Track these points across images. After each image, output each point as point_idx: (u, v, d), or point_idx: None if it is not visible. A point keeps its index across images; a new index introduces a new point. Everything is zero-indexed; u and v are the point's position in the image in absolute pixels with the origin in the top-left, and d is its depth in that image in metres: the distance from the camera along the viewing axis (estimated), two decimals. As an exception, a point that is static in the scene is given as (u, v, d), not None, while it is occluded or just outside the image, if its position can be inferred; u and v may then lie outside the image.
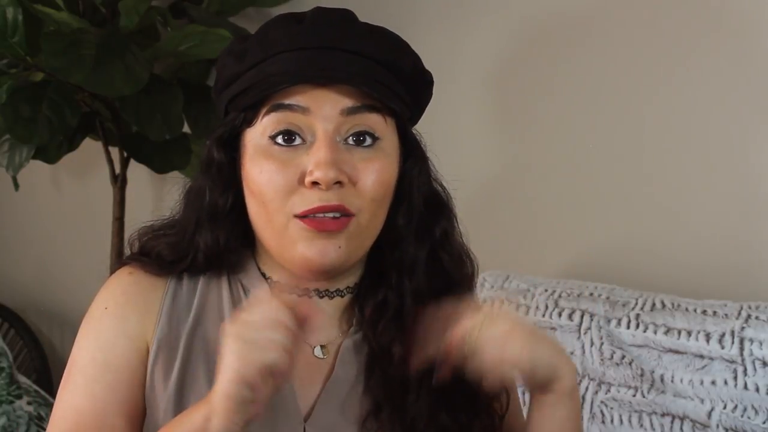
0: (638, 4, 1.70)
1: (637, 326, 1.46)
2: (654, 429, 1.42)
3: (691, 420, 1.39)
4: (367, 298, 0.97)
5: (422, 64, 0.96)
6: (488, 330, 0.85)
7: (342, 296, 0.97)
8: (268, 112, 0.90)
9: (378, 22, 0.96)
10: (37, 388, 2.22)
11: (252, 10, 2.15)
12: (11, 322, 2.70)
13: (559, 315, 1.53)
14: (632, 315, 1.48)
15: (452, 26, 1.90)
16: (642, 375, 1.44)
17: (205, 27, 1.85)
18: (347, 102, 0.89)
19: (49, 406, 2.12)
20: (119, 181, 2.11)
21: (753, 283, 1.56)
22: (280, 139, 0.89)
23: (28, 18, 1.77)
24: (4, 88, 1.79)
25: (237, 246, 0.96)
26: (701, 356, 1.39)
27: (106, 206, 2.17)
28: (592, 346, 1.50)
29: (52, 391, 2.39)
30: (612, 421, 1.46)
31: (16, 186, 2.09)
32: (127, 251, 1.00)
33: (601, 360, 1.49)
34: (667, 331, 1.43)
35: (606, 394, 1.48)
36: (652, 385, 1.44)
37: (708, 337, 1.39)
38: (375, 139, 0.91)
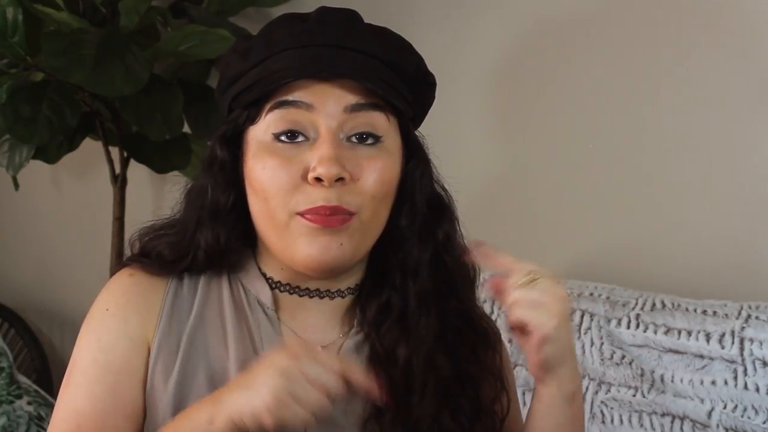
0: (638, 4, 1.70)
1: (637, 326, 1.46)
2: (654, 429, 1.42)
3: (691, 420, 1.39)
4: (370, 300, 0.97)
5: (426, 65, 0.97)
6: (528, 290, 0.87)
7: (342, 297, 0.97)
8: (271, 109, 0.90)
9: (378, 22, 0.96)
10: (37, 388, 2.22)
11: (252, 10, 2.15)
12: (11, 322, 2.70)
13: (559, 315, 1.53)
14: (632, 315, 1.48)
15: (452, 27, 1.90)
16: (642, 375, 1.45)
17: (205, 27, 1.85)
18: (351, 99, 0.89)
19: (49, 406, 2.12)
20: (119, 181, 2.11)
21: (753, 283, 1.56)
22: (283, 137, 0.90)
23: (28, 18, 1.77)
24: (4, 88, 1.79)
25: (238, 245, 0.96)
26: (701, 356, 1.40)
27: (106, 206, 2.17)
28: (592, 346, 1.50)
29: (52, 391, 2.39)
30: (612, 421, 1.46)
31: (16, 186, 2.09)
32: (127, 252, 1.00)
33: (601, 360, 1.49)
34: (667, 331, 1.43)
35: (606, 394, 1.48)
36: (652, 385, 1.44)
37: (708, 337, 1.39)
38: (378, 137, 0.91)
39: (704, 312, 1.43)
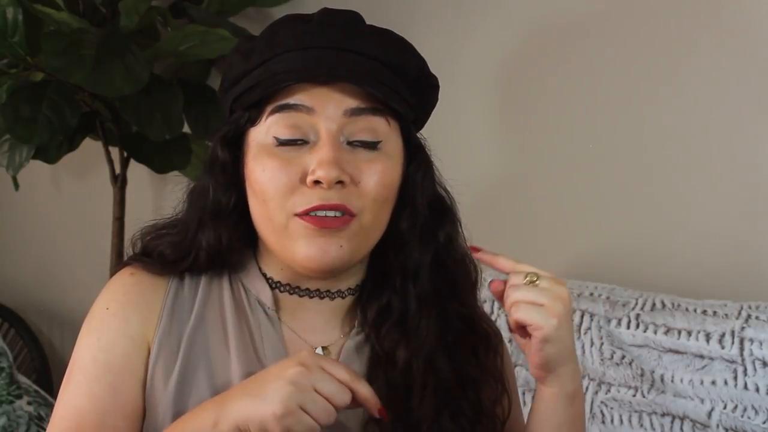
0: (638, 4, 1.70)
1: (637, 326, 1.46)
2: (654, 429, 1.42)
3: (691, 420, 1.39)
4: (370, 301, 0.97)
5: (428, 68, 0.97)
6: (528, 291, 0.87)
7: (343, 297, 0.97)
8: (272, 112, 0.90)
9: (378, 23, 0.96)
10: (37, 388, 2.22)
11: (252, 10, 2.15)
12: (11, 322, 2.70)
13: (559, 315, 1.53)
14: (632, 315, 1.48)
15: (452, 28, 1.90)
16: (642, 375, 1.45)
17: (205, 27, 1.85)
18: (351, 102, 0.90)
19: (49, 406, 2.12)
20: (119, 181, 2.11)
21: (753, 283, 1.56)
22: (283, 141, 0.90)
23: (28, 18, 1.77)
24: (4, 88, 1.80)
25: (239, 246, 0.96)
26: (701, 356, 1.40)
27: (106, 206, 2.17)
28: (592, 346, 1.50)
29: (52, 391, 2.39)
30: (612, 421, 1.46)
31: (16, 186, 2.09)
32: (129, 251, 1.00)
33: (601, 360, 1.49)
34: (667, 331, 1.43)
35: (606, 394, 1.48)
36: (652, 385, 1.44)
37: (708, 337, 1.39)
38: (378, 141, 0.91)
39: (704, 312, 1.43)
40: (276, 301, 0.96)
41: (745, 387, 1.35)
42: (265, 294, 0.96)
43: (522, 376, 1.52)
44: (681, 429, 1.40)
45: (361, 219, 0.90)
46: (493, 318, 1.51)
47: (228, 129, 0.95)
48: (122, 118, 1.92)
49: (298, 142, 0.90)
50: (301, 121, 0.89)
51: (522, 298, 0.87)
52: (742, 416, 1.34)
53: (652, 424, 1.42)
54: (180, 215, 0.99)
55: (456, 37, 1.89)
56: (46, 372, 2.60)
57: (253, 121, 0.92)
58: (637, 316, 1.47)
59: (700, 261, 1.63)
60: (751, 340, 1.36)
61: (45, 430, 0.90)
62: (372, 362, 0.95)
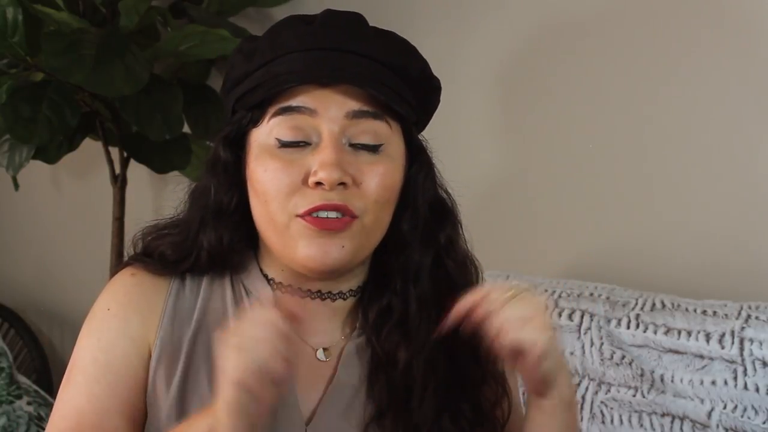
0: (638, 4, 1.70)
1: (637, 326, 1.46)
2: (654, 429, 1.42)
3: (691, 420, 1.39)
4: (371, 303, 0.97)
5: (430, 69, 0.97)
6: (512, 309, 0.83)
7: (344, 299, 0.97)
8: (275, 114, 0.90)
9: (378, 23, 0.96)
10: (37, 388, 2.23)
11: (252, 10, 2.15)
12: (11, 322, 2.70)
13: (559, 315, 1.53)
14: (632, 315, 1.48)
15: (453, 28, 1.90)
16: (642, 375, 1.45)
17: (205, 27, 1.85)
18: (353, 105, 0.90)
19: (49, 406, 2.12)
20: (119, 181, 2.11)
21: (753, 283, 1.56)
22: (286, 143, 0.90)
23: (28, 18, 1.77)
24: (4, 88, 1.80)
25: (240, 246, 0.96)
26: (701, 356, 1.40)
27: (106, 206, 2.17)
28: (592, 346, 1.50)
29: (52, 391, 2.39)
30: (612, 421, 1.46)
31: (16, 186, 2.09)
32: (130, 251, 1.00)
33: (601, 360, 1.49)
34: (667, 331, 1.43)
35: (606, 394, 1.48)
36: (652, 385, 1.44)
37: (708, 337, 1.39)
38: (380, 144, 0.91)
39: (704, 312, 1.43)
40: (277, 302, 0.96)
41: (745, 387, 1.35)
42: (265, 295, 0.96)
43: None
44: (681, 429, 1.40)
45: (362, 220, 0.90)
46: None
47: (230, 129, 0.95)
48: (122, 118, 1.92)
49: (301, 144, 0.90)
50: (304, 123, 0.90)
51: (510, 315, 0.83)
52: (742, 416, 1.34)
53: (652, 425, 1.42)
54: (181, 215, 0.98)
55: (456, 37, 1.89)
56: (46, 372, 2.60)
57: (256, 122, 0.92)
58: (637, 316, 1.47)
59: (700, 261, 1.63)
60: (751, 340, 1.36)
61: (45, 430, 0.90)
62: (373, 364, 0.95)
